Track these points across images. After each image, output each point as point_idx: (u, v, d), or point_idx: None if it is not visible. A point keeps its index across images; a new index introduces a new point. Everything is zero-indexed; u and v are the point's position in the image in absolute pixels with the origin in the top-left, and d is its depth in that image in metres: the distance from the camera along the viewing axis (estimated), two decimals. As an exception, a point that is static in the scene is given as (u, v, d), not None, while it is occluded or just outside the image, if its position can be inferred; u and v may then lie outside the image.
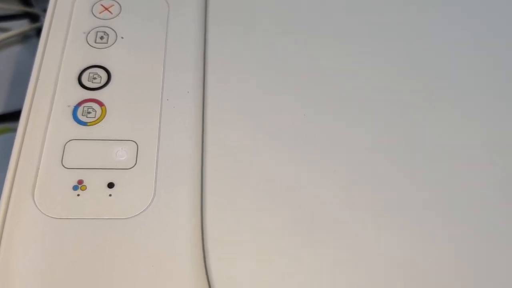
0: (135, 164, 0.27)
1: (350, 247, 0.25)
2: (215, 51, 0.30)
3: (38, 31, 0.46)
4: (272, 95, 0.29)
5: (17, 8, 0.47)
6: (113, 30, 0.31)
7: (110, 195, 0.26)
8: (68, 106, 0.28)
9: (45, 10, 0.47)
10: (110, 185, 0.26)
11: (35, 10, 0.47)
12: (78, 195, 0.26)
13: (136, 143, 0.27)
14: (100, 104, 0.28)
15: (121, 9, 0.32)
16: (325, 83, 0.30)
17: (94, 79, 0.29)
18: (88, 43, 0.30)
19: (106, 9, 0.32)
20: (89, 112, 0.28)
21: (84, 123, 0.28)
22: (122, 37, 0.31)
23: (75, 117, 0.28)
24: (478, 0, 0.34)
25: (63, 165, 0.26)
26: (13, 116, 0.42)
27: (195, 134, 0.28)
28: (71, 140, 0.27)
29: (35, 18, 0.47)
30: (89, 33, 0.31)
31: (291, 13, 0.32)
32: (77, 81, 0.29)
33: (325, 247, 0.25)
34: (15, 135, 0.41)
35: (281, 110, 0.28)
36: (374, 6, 0.33)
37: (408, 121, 0.29)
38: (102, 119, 0.28)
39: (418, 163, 0.27)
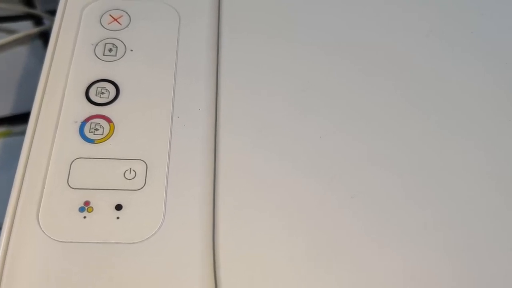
0: (144, 185, 0.26)
1: (362, 271, 0.24)
2: (229, 65, 0.29)
3: (41, 33, 0.45)
4: (289, 114, 0.28)
5: (20, 9, 0.46)
6: (122, 42, 0.30)
7: (117, 217, 0.25)
8: (75, 122, 0.27)
9: (47, 12, 0.46)
10: (118, 207, 0.25)
11: (37, 11, 0.46)
12: (85, 217, 0.25)
13: (145, 163, 0.26)
14: (108, 120, 0.27)
15: (130, 20, 0.31)
16: (347, 101, 0.28)
17: (102, 93, 0.28)
18: (96, 56, 0.29)
19: (115, 19, 0.31)
20: (96, 129, 0.27)
21: (91, 141, 0.27)
22: (131, 50, 0.30)
23: (82, 134, 0.27)
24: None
25: (69, 185, 0.25)
26: (15, 119, 0.41)
27: (207, 153, 0.27)
28: (77, 158, 0.26)
29: (38, 19, 0.46)
30: (97, 44, 0.30)
31: (311, 22, 0.31)
32: (85, 96, 0.28)
33: (343, 275, 0.24)
34: (15, 139, 0.40)
35: (298, 131, 0.27)
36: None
37: (433, 145, 0.28)
38: (110, 137, 0.27)
39: (440, 189, 0.26)
